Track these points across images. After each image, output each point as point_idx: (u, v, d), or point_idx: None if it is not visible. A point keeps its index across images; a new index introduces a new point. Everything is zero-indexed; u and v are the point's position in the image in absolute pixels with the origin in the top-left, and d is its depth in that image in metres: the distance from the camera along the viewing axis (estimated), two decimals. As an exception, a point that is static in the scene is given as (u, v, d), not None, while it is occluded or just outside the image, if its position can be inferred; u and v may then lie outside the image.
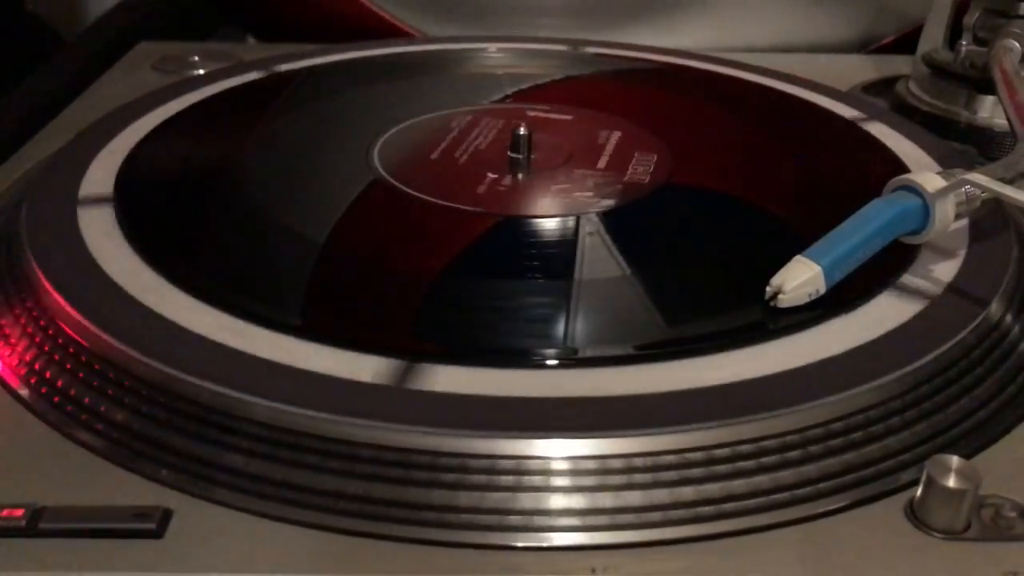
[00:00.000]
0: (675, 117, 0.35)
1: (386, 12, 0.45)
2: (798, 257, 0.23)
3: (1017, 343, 0.23)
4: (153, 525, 0.17)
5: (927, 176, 0.24)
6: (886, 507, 0.19)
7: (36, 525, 0.17)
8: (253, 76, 0.37)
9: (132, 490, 0.18)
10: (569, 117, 0.34)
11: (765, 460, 0.19)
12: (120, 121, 0.32)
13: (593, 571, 0.17)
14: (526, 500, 0.17)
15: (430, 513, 0.17)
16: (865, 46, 0.46)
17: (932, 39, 0.39)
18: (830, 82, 0.40)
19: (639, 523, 0.18)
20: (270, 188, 0.28)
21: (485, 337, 0.22)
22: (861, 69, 0.43)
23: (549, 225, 0.26)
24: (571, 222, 0.26)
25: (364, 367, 0.20)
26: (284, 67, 0.38)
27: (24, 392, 0.21)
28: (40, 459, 0.19)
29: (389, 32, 0.46)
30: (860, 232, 0.23)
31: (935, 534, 0.18)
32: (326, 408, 0.18)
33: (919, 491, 0.18)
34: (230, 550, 0.17)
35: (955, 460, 0.18)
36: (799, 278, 0.22)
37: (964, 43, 0.36)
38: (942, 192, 0.24)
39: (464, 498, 0.17)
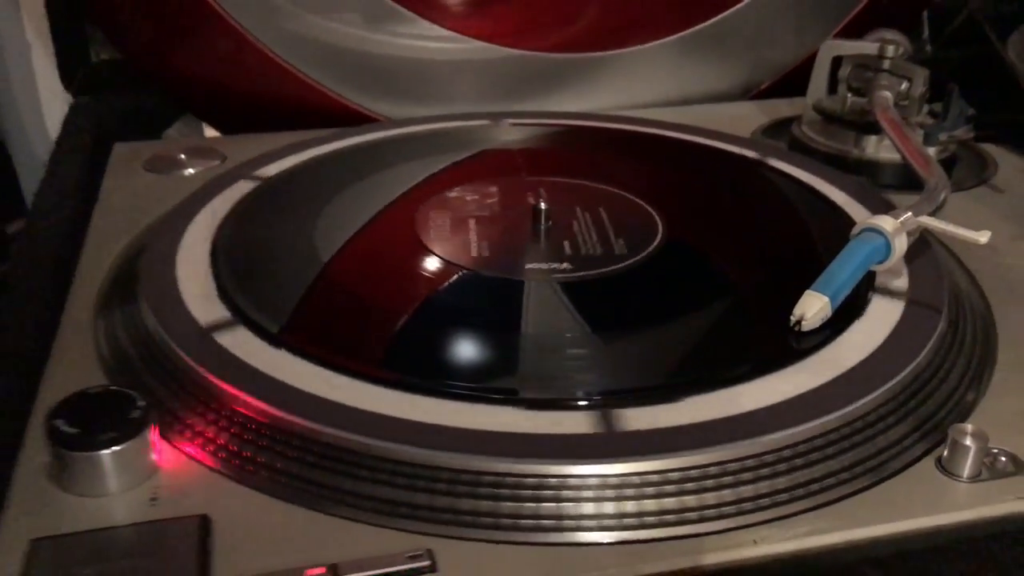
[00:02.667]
0: (634, 178, 0.42)
1: (344, 98, 0.50)
2: (809, 291, 0.30)
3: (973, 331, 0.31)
4: (429, 562, 0.22)
5: (885, 219, 0.32)
6: (922, 467, 0.26)
7: (340, 577, 0.22)
8: (274, 169, 0.41)
9: (380, 540, 0.23)
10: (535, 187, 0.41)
11: (827, 451, 0.26)
12: (176, 230, 0.36)
13: (755, 542, 0.24)
14: (710, 498, 0.24)
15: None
16: (747, 93, 0.55)
17: (818, 90, 0.48)
18: (730, 129, 0.48)
19: (773, 504, 0.24)
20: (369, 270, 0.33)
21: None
22: (754, 115, 0.52)
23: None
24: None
25: (568, 420, 0.25)
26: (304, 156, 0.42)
27: (224, 469, 0.25)
28: (273, 524, 0.24)
29: (342, 115, 0.50)
30: (848, 266, 0.31)
31: (961, 479, 0.26)
32: (567, 456, 0.24)
33: (945, 451, 0.26)
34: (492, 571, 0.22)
35: (969, 427, 0.26)
36: (815, 307, 0.30)
37: (849, 95, 0.46)
38: (899, 231, 0.32)
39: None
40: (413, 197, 0.39)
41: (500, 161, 0.44)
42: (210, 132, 0.53)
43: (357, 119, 0.50)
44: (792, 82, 0.54)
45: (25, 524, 0.23)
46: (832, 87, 0.47)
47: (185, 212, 0.37)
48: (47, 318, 0.32)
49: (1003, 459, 0.26)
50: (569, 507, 0.24)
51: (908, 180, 0.39)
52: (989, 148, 0.48)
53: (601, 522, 0.24)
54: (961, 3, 0.63)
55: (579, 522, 0.24)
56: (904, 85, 0.45)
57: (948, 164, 0.45)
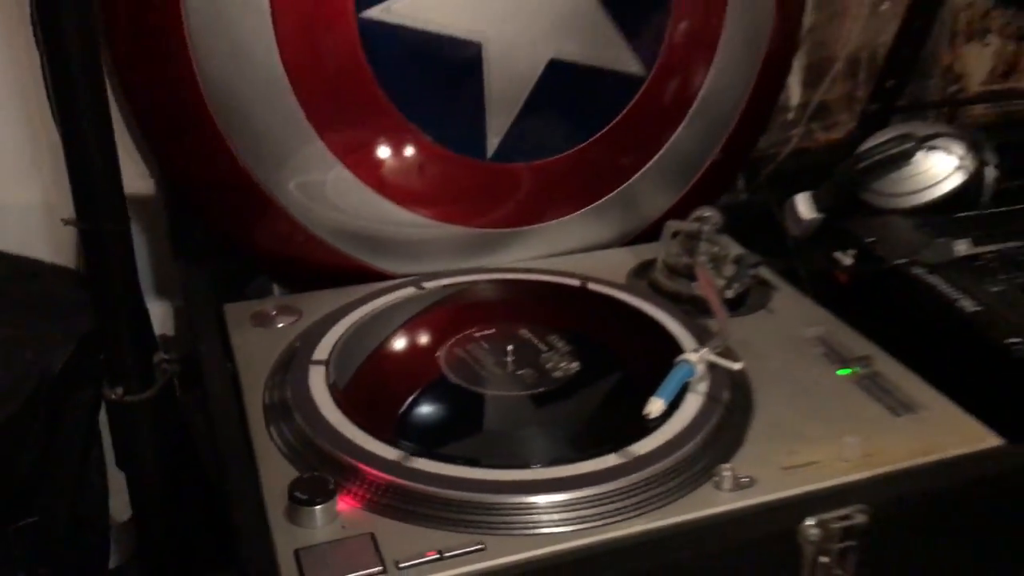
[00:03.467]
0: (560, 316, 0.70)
1: (362, 260, 0.77)
2: (653, 397, 0.58)
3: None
4: (481, 546, 0.49)
5: (691, 355, 0.60)
6: (704, 489, 0.54)
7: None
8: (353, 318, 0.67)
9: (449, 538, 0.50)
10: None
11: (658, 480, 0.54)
12: (301, 372, 0.62)
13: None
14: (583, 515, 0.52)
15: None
16: (624, 240, 0.83)
17: (664, 252, 0.76)
18: (611, 272, 0.77)
19: (618, 512, 0.52)
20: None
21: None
22: (628, 259, 0.80)
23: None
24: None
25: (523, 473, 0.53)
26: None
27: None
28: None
29: (357, 271, 0.77)
30: (675, 381, 0.59)
31: (723, 491, 0.54)
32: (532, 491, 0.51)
33: (719, 479, 0.54)
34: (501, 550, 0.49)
35: (726, 465, 0.54)
36: (657, 405, 0.58)
37: (682, 256, 0.74)
38: (698, 361, 0.60)
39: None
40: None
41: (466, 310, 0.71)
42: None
43: (370, 274, 0.77)
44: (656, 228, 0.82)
45: (287, 541, 0.50)
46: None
47: (301, 359, 0.63)
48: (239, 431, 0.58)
49: (745, 479, 0.55)
50: (523, 517, 0.51)
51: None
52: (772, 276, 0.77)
53: (534, 522, 0.51)
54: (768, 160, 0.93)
55: (528, 521, 0.51)
56: (716, 248, 0.74)
57: (744, 294, 0.74)
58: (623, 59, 0.75)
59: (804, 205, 0.79)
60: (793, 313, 0.72)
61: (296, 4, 0.66)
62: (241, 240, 0.77)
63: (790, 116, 0.95)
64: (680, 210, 0.81)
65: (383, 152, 0.72)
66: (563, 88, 0.74)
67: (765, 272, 0.76)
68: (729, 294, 0.72)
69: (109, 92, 0.60)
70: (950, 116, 0.97)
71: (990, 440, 0.58)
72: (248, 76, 0.67)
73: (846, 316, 0.71)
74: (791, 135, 0.93)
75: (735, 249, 0.77)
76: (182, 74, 0.67)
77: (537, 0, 0.70)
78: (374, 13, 0.67)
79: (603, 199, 0.81)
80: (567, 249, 0.82)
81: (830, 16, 0.92)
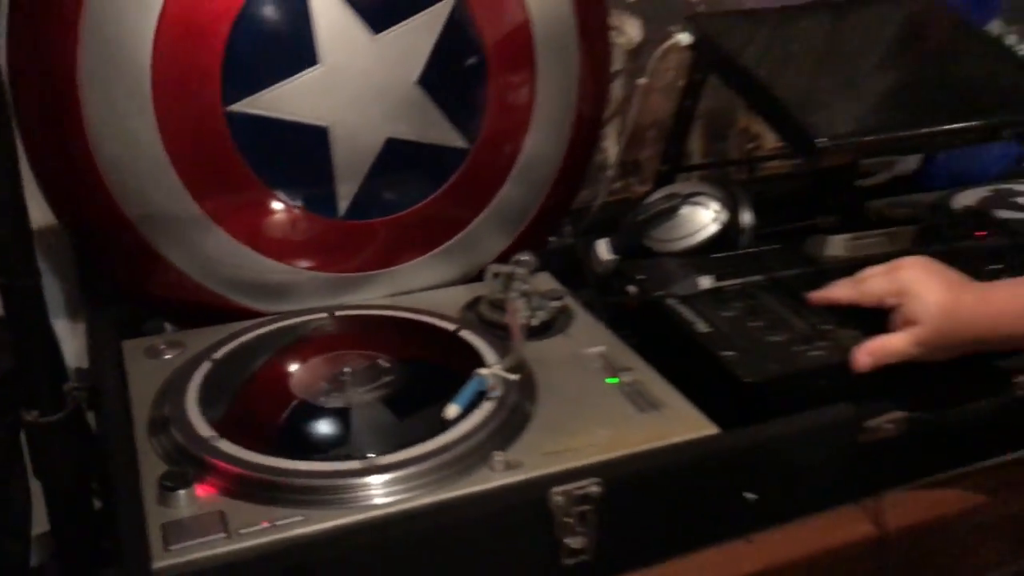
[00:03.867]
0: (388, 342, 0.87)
1: (240, 302, 0.93)
2: (451, 403, 0.75)
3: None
4: (302, 518, 0.66)
5: (485, 371, 0.78)
6: (482, 469, 0.71)
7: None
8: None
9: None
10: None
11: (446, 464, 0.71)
12: (178, 392, 0.78)
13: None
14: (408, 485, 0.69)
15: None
16: (466, 279, 1.01)
17: (487, 289, 0.94)
18: (448, 306, 0.94)
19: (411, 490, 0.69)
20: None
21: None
22: (463, 295, 0.98)
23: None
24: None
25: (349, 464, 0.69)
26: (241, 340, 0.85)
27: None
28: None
29: (236, 311, 0.93)
30: (469, 391, 0.76)
31: (496, 471, 0.71)
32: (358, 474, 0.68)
33: (493, 463, 0.71)
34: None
35: (499, 452, 0.71)
36: (454, 410, 0.75)
37: (500, 294, 0.92)
38: (491, 375, 0.78)
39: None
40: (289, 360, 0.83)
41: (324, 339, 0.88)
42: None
43: (247, 313, 0.93)
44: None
45: (156, 518, 0.66)
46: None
47: (178, 383, 0.79)
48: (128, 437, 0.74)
49: (514, 462, 0.72)
50: (339, 495, 0.68)
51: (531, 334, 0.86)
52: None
53: (366, 495, 0.68)
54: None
55: (343, 498, 0.68)
56: (526, 286, 0.91)
57: (550, 322, 0.91)
58: (449, 136, 0.93)
59: (603, 248, 0.98)
60: (585, 336, 0.90)
61: (175, 99, 0.83)
62: (137, 288, 0.93)
63: (610, 173, 1.13)
64: (511, 252, 0.98)
65: (253, 216, 0.89)
66: (400, 160, 0.91)
67: (570, 303, 0.94)
68: (535, 322, 0.90)
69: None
70: (749, 171, 1.16)
71: (709, 429, 0.76)
72: (137, 157, 0.84)
73: (631, 337, 0.89)
74: (612, 188, 1.12)
75: (548, 285, 0.95)
76: (82, 154, 0.84)
77: (373, 92, 0.87)
78: (237, 107, 0.84)
79: (443, 246, 0.98)
80: (415, 288, 0.99)
81: (656, 88, 1.11)
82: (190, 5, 0.81)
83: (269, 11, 0.83)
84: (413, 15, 0.87)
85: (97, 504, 0.91)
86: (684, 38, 0.94)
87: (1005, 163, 1.27)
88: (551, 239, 1.08)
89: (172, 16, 0.81)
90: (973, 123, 0.88)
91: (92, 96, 0.82)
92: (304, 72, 0.85)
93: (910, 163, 1.21)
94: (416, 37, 0.88)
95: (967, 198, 1.20)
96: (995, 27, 1.26)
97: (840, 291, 0.82)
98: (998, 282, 0.75)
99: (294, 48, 0.84)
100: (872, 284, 0.79)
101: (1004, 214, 1.16)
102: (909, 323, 0.75)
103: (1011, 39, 1.32)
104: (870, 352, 0.76)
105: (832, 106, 0.89)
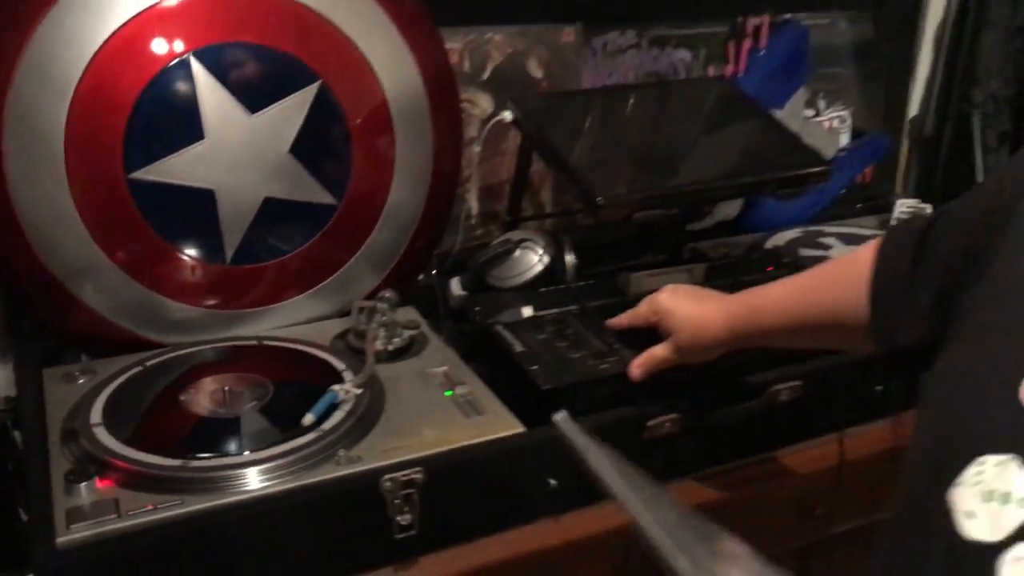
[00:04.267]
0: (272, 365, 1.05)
1: (145, 335, 1.10)
2: (308, 413, 0.93)
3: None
4: (180, 500, 0.83)
5: (338, 387, 0.96)
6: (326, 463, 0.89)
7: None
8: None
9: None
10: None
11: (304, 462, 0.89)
12: (86, 408, 0.95)
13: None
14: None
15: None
16: (342, 313, 1.19)
17: (353, 322, 1.12)
18: (323, 336, 1.12)
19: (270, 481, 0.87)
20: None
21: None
22: (337, 327, 1.16)
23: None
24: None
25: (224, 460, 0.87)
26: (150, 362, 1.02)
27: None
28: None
29: (143, 344, 1.10)
30: (323, 403, 0.94)
31: (339, 462, 0.89)
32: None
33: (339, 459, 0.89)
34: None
35: (348, 451, 0.90)
36: (308, 418, 0.93)
37: (363, 325, 1.11)
38: (340, 391, 0.96)
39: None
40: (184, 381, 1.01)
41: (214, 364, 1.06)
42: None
43: (151, 344, 1.10)
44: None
45: (61, 505, 0.82)
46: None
47: (87, 402, 0.96)
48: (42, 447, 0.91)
49: (356, 458, 0.90)
50: (215, 484, 0.85)
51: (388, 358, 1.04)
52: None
53: (234, 484, 0.85)
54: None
55: (216, 487, 0.85)
56: (385, 317, 1.10)
57: (407, 347, 1.10)
58: (318, 194, 1.11)
59: (455, 286, 1.17)
60: (434, 358, 1.09)
61: (84, 168, 1.00)
62: (56, 325, 1.10)
63: (472, 221, 1.33)
64: (381, 289, 1.17)
65: (154, 264, 1.07)
66: (277, 215, 1.10)
67: (425, 331, 1.13)
68: (391, 347, 1.08)
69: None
70: (594, 218, 1.36)
71: (518, 428, 0.95)
72: (53, 216, 1.01)
73: (475, 358, 1.08)
74: (475, 234, 1.31)
75: (409, 317, 1.14)
76: (5, 213, 1.01)
77: (251, 160, 1.06)
78: (137, 174, 1.02)
79: (319, 286, 1.17)
80: (297, 321, 1.17)
81: (493, 153, 1.31)
82: (97, 90, 0.99)
83: (162, 95, 1.02)
84: (284, 97, 1.06)
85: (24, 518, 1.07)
86: (507, 115, 1.14)
87: (815, 210, 1.49)
88: (420, 278, 1.27)
89: (82, 99, 0.99)
90: (736, 180, 1.09)
91: (14, 164, 0.99)
92: (193, 145, 1.03)
93: (731, 209, 1.42)
94: (287, 115, 1.07)
95: (780, 239, 1.42)
96: (801, 94, 1.49)
97: (625, 317, 1.01)
98: (740, 292, 0.94)
99: (184, 125, 1.03)
100: (640, 309, 0.98)
101: (808, 252, 1.38)
102: (668, 335, 0.95)
103: (820, 104, 1.55)
104: (640, 364, 0.96)
105: (616, 170, 1.09)
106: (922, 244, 0.71)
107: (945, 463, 0.55)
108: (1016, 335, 0.57)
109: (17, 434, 1.05)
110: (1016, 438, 0.53)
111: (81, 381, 1.03)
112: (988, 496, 0.52)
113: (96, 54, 0.99)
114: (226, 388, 1.00)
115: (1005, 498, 0.51)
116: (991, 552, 0.50)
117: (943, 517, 0.53)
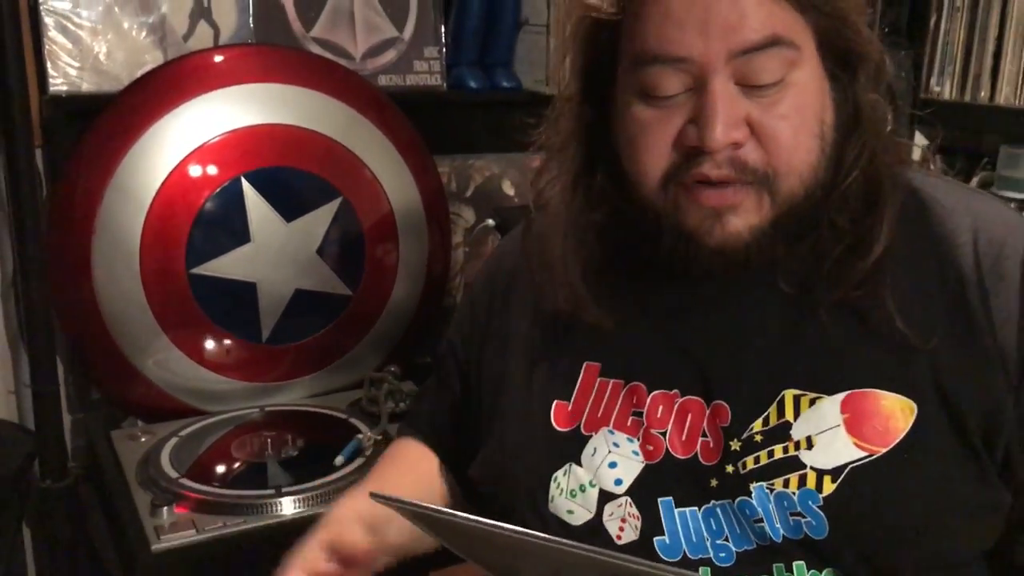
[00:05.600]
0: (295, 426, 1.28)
1: (192, 404, 1.33)
2: (339, 456, 1.16)
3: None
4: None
5: (359, 435, 1.20)
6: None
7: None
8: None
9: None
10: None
11: None
12: (153, 464, 1.17)
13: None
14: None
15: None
16: (355, 385, 1.43)
17: (365, 390, 1.37)
18: (342, 402, 1.36)
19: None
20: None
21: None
22: (352, 395, 1.40)
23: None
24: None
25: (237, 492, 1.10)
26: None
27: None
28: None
29: (185, 409, 1.33)
30: (349, 448, 1.18)
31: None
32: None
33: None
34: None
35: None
36: (339, 459, 1.16)
37: (373, 391, 1.35)
38: (364, 440, 1.20)
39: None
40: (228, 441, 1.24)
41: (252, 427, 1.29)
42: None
43: (197, 412, 1.33)
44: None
45: (150, 524, 1.04)
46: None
47: (156, 452, 1.19)
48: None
49: (379, 490, 1.13)
50: (266, 511, 1.08)
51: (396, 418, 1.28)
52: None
53: (271, 512, 1.08)
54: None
55: (267, 513, 1.08)
56: (388, 386, 1.34)
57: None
58: (338, 287, 1.37)
59: (447, 362, 1.42)
60: (433, 419, 1.33)
61: (154, 264, 1.26)
62: (118, 394, 1.33)
63: (458, 312, 1.59)
64: (385, 366, 1.42)
65: (203, 342, 1.31)
66: (305, 304, 1.35)
67: (424, 399, 1.37)
68: (398, 410, 1.33)
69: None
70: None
71: (505, 467, 1.19)
72: (127, 302, 1.26)
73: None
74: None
75: (410, 387, 1.38)
76: (88, 303, 1.25)
77: (287, 259, 1.32)
78: (196, 270, 1.27)
79: (336, 363, 1.41)
80: (319, 391, 1.41)
81: (476, 255, 1.59)
82: (168, 205, 1.26)
83: (217, 209, 1.28)
84: (313, 209, 1.33)
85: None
86: (491, 223, 1.42)
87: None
88: (417, 359, 1.52)
89: (155, 211, 1.25)
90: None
91: (99, 261, 1.24)
92: (241, 247, 1.29)
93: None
94: (315, 223, 1.33)
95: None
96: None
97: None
98: None
99: (235, 231, 1.29)
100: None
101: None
102: None
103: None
104: None
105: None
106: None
107: (535, 489, 0.74)
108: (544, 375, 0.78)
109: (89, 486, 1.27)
110: (562, 454, 0.74)
111: (143, 439, 1.25)
112: (571, 494, 0.73)
113: (168, 176, 1.26)
114: (268, 441, 1.23)
115: (582, 488, 0.73)
116: (595, 524, 0.72)
117: (556, 524, 0.73)
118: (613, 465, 0.73)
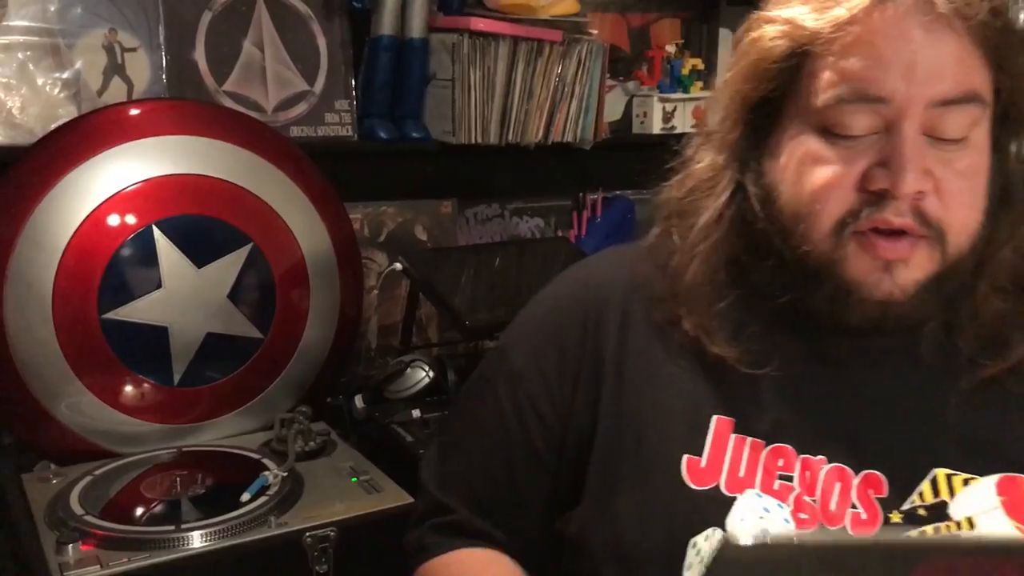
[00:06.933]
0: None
1: (105, 446, 1.36)
2: (245, 492, 1.20)
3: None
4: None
5: (265, 472, 1.24)
6: (265, 528, 1.17)
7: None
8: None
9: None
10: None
11: None
12: (62, 503, 1.20)
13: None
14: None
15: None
16: (267, 426, 1.47)
17: (276, 430, 1.41)
18: (253, 442, 1.40)
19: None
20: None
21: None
22: (263, 436, 1.44)
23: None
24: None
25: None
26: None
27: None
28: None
29: (104, 453, 1.36)
30: (256, 485, 1.22)
31: (272, 529, 1.17)
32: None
33: (268, 523, 1.17)
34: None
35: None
36: (245, 495, 1.20)
37: (283, 431, 1.39)
38: (271, 476, 1.24)
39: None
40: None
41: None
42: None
43: (110, 454, 1.36)
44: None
45: (55, 562, 1.07)
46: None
47: (65, 493, 1.22)
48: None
49: (283, 522, 1.17)
50: (170, 545, 1.12)
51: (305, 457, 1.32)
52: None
53: (175, 547, 1.11)
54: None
55: (171, 547, 1.11)
56: (300, 426, 1.39)
57: (320, 449, 1.38)
58: (249, 330, 1.42)
59: (358, 401, 1.47)
60: (343, 457, 1.37)
61: (66, 310, 1.29)
62: (30, 438, 1.36)
63: (372, 353, 1.65)
64: (299, 405, 1.46)
65: (116, 386, 1.35)
66: (217, 347, 1.39)
67: (334, 438, 1.42)
68: (307, 449, 1.37)
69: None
70: (466, 339, 1.69)
71: (406, 500, 1.24)
72: (39, 348, 1.29)
73: (375, 455, 1.37)
74: (378, 361, 1.63)
75: (320, 427, 1.43)
76: (1, 351, 1.28)
77: (197, 303, 1.37)
78: (108, 315, 1.31)
79: (247, 404, 1.45)
80: (229, 434, 1.45)
81: (388, 298, 1.65)
82: (80, 252, 1.30)
83: (129, 256, 1.32)
84: (224, 255, 1.38)
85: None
86: (397, 266, 1.48)
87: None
88: (328, 400, 1.57)
89: (67, 259, 1.29)
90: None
91: (11, 308, 1.28)
92: (153, 292, 1.33)
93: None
94: (226, 269, 1.38)
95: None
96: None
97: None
98: None
99: (146, 277, 1.33)
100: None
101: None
102: None
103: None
104: None
105: (483, 304, 1.44)
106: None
107: (666, 554, 0.68)
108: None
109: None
110: (704, 517, 0.67)
111: (54, 481, 1.28)
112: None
113: (80, 225, 1.30)
114: (179, 480, 1.27)
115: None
116: None
117: None
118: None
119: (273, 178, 1.44)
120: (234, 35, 1.51)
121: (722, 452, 0.70)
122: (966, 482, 0.68)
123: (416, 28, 1.58)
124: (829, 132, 0.67)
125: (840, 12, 0.66)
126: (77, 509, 1.18)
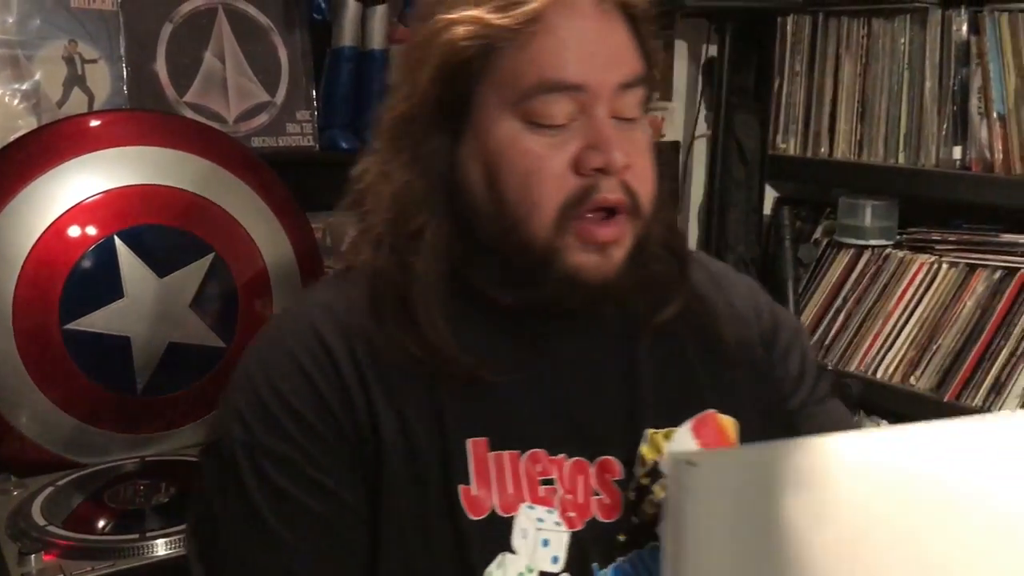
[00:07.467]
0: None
1: (68, 456, 1.36)
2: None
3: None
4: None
5: None
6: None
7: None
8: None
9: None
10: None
11: None
12: (24, 514, 1.20)
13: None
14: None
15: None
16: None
17: (240, 437, 1.42)
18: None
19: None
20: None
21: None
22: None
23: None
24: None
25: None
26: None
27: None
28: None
29: (67, 464, 1.36)
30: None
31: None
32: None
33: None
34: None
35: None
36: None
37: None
38: None
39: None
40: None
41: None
42: None
43: (73, 464, 1.36)
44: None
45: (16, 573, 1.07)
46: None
47: (27, 503, 1.22)
48: None
49: (247, 531, 1.18)
50: (131, 555, 1.12)
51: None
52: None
53: (149, 551, 1.12)
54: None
55: (132, 556, 1.12)
56: (266, 434, 1.40)
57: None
58: (212, 339, 1.43)
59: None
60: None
61: (27, 321, 1.29)
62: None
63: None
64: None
65: (78, 396, 1.35)
66: (180, 356, 1.40)
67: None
68: (271, 456, 1.38)
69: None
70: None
71: (371, 505, 1.25)
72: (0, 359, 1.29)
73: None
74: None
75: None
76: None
77: (159, 313, 1.37)
78: (70, 326, 1.32)
79: (211, 414, 1.46)
80: (196, 442, 1.45)
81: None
82: (41, 263, 1.30)
83: (91, 266, 1.33)
84: (186, 265, 1.39)
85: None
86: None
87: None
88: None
89: (28, 270, 1.30)
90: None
91: (-30, 322, 1.28)
92: (114, 302, 1.34)
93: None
94: (188, 278, 1.39)
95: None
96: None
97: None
98: None
99: (108, 287, 1.34)
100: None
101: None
102: None
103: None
104: None
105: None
106: None
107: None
108: None
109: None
110: (488, 545, 0.70)
111: (16, 492, 1.28)
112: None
113: (41, 236, 1.30)
114: (142, 489, 1.27)
115: (529, 569, 0.70)
116: None
117: None
118: (546, 543, 0.70)
119: (235, 188, 1.45)
120: (195, 46, 1.52)
121: (486, 474, 0.71)
122: (667, 436, 0.74)
123: (376, 40, 1.60)
124: (534, 124, 0.70)
125: (525, 8, 0.69)
126: (40, 520, 1.18)
